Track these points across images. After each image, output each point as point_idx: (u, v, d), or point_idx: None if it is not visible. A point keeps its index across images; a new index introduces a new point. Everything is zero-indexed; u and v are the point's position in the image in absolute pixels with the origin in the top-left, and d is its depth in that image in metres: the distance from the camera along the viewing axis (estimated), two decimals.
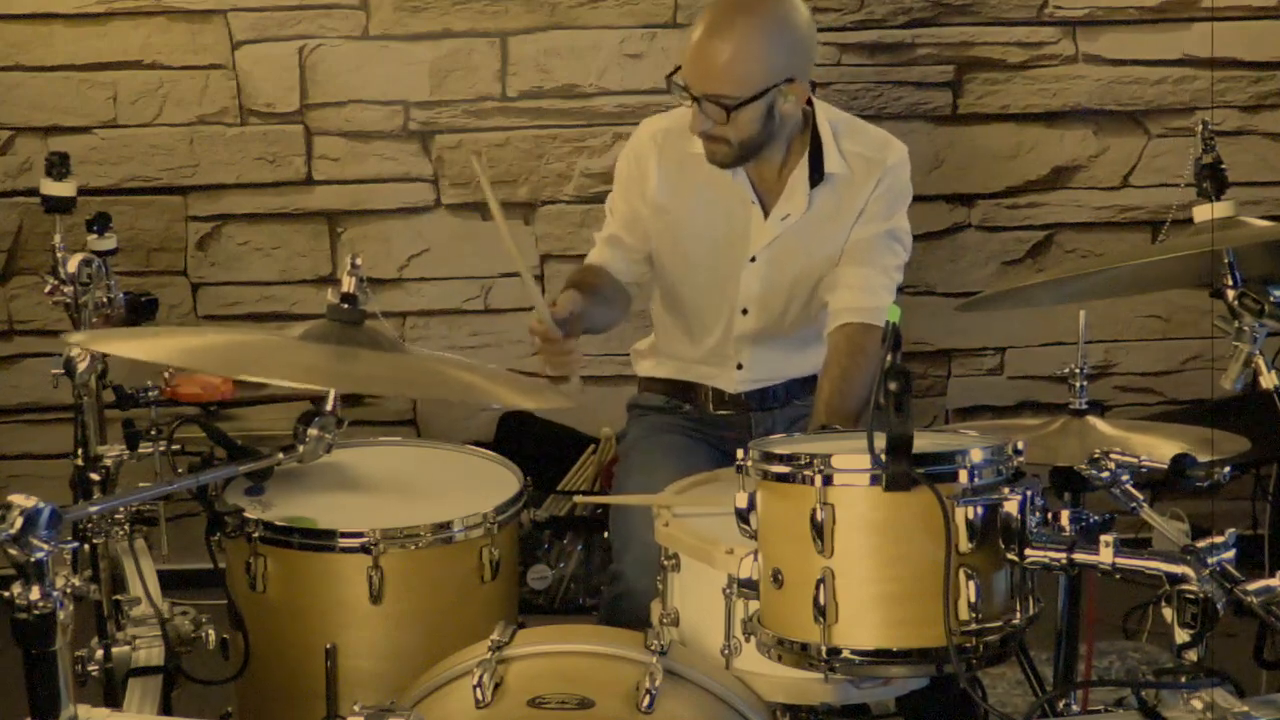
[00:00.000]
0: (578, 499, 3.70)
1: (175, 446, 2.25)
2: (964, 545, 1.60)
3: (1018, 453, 1.69)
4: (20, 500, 1.45)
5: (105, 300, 2.32)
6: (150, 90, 3.74)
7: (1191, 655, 1.53)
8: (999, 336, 4.02)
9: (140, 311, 2.40)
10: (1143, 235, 3.96)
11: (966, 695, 1.67)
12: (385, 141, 3.82)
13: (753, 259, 2.63)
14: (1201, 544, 1.53)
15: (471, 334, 3.94)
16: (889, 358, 1.57)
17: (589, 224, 2.84)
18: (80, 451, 2.24)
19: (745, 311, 2.67)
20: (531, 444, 3.83)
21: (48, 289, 2.32)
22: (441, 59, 3.77)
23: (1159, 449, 2.04)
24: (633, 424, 2.84)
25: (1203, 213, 2.03)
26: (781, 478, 1.68)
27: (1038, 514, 1.62)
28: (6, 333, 3.86)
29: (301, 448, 2.07)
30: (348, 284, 1.91)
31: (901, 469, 1.58)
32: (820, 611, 1.64)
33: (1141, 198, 3.95)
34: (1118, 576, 1.59)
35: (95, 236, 2.47)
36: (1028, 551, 1.61)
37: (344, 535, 2.14)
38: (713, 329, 2.71)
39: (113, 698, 2.08)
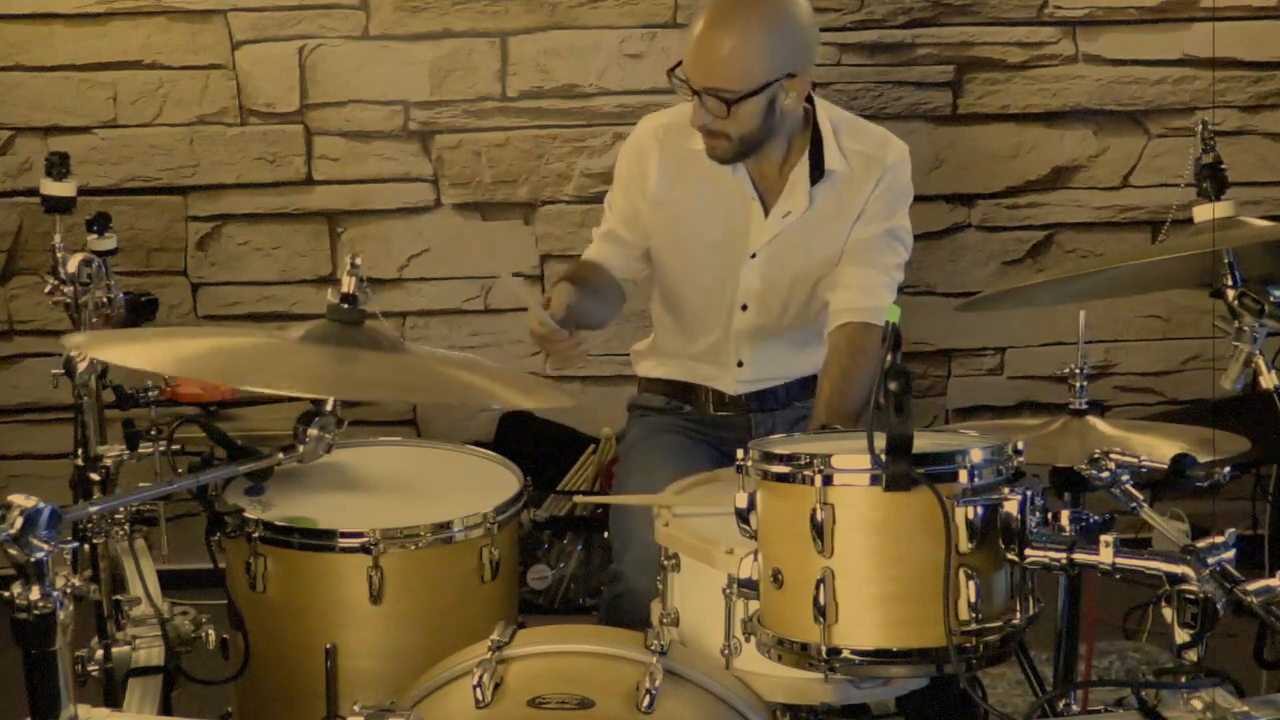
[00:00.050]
0: (578, 499, 3.70)
1: (175, 446, 2.25)
2: (964, 545, 1.60)
3: (1018, 453, 1.69)
4: (20, 500, 1.45)
5: (105, 300, 2.32)
6: (150, 90, 3.74)
7: (1191, 655, 1.52)
8: (999, 336, 4.02)
9: (140, 311, 2.40)
10: (1143, 235, 3.96)
11: (966, 695, 1.67)
12: (385, 141, 3.82)
13: (753, 255, 2.63)
14: (1201, 544, 1.53)
15: (471, 334, 3.94)
16: (889, 358, 1.57)
17: (589, 224, 2.84)
18: (80, 451, 2.24)
19: (745, 308, 2.67)
20: (531, 444, 3.83)
21: (48, 289, 2.33)
22: (441, 59, 3.77)
23: (1159, 449, 2.04)
24: (633, 424, 2.84)
25: (1203, 213, 2.03)
26: (781, 478, 1.68)
27: (1038, 514, 1.62)
28: (6, 333, 3.86)
29: (301, 448, 2.07)
30: (348, 284, 1.91)
31: (901, 469, 1.58)
32: (820, 611, 1.64)
33: (1141, 198, 3.95)
34: (1118, 576, 1.58)
35: (95, 236, 2.47)
36: (1028, 551, 1.61)
37: (344, 535, 2.14)
38: (712, 326, 2.71)
39: (113, 698, 2.08)
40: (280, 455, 2.07)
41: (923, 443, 1.62)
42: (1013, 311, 3.61)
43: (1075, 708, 2.28)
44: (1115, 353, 4.04)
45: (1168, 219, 2.35)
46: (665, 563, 2.04)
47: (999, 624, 1.63)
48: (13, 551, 1.44)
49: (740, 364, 2.71)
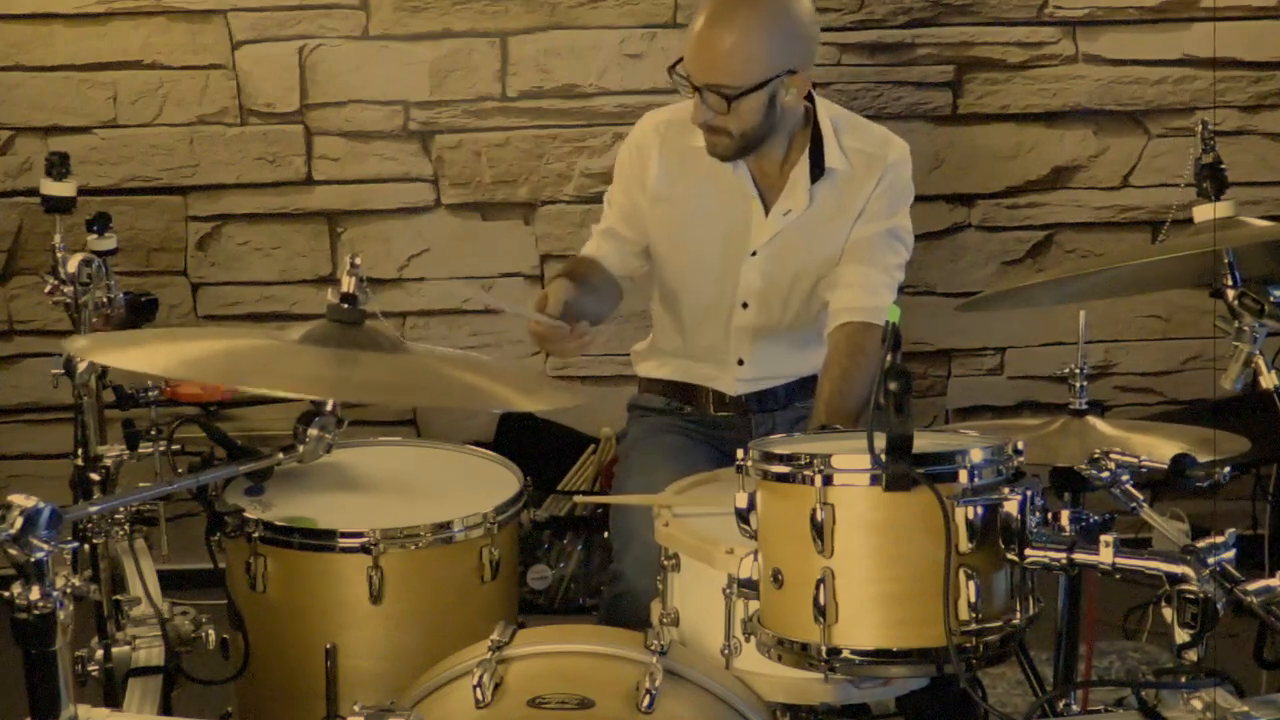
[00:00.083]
0: (578, 499, 3.70)
1: (175, 446, 2.25)
2: (964, 545, 1.60)
3: (1018, 453, 1.69)
4: (20, 500, 1.45)
5: (105, 300, 2.33)
6: (150, 90, 3.74)
7: (1191, 655, 1.52)
8: (999, 336, 4.02)
9: (140, 312, 2.40)
10: (1143, 235, 3.96)
11: (966, 695, 1.67)
12: (385, 141, 3.82)
13: (753, 253, 2.63)
14: (1201, 544, 1.53)
15: (471, 334, 3.94)
16: (889, 358, 1.57)
17: (589, 224, 2.84)
18: (80, 451, 2.24)
19: (745, 305, 2.67)
20: (531, 444, 3.83)
21: (48, 289, 2.33)
22: (441, 59, 3.77)
23: (1159, 449, 2.04)
24: (633, 424, 2.84)
25: (1203, 213, 2.03)
26: (781, 478, 1.68)
27: (1038, 514, 1.62)
28: (6, 333, 3.86)
29: (301, 448, 2.07)
30: (348, 284, 1.91)
31: (901, 469, 1.58)
32: (820, 611, 1.64)
33: (1141, 198, 3.95)
34: (1118, 576, 1.58)
35: (95, 236, 2.47)
36: (1028, 551, 1.61)
37: (344, 535, 2.14)
38: (712, 324, 2.71)
39: (113, 698, 2.08)
40: (280, 455, 2.07)
41: (923, 443, 1.62)
42: (1013, 311, 3.61)
43: (1075, 708, 2.28)
44: (1115, 353, 4.04)
45: (1168, 219, 2.35)
46: (665, 563, 2.04)
47: (999, 624, 1.63)
48: (13, 551, 1.44)
49: (741, 362, 2.71)
